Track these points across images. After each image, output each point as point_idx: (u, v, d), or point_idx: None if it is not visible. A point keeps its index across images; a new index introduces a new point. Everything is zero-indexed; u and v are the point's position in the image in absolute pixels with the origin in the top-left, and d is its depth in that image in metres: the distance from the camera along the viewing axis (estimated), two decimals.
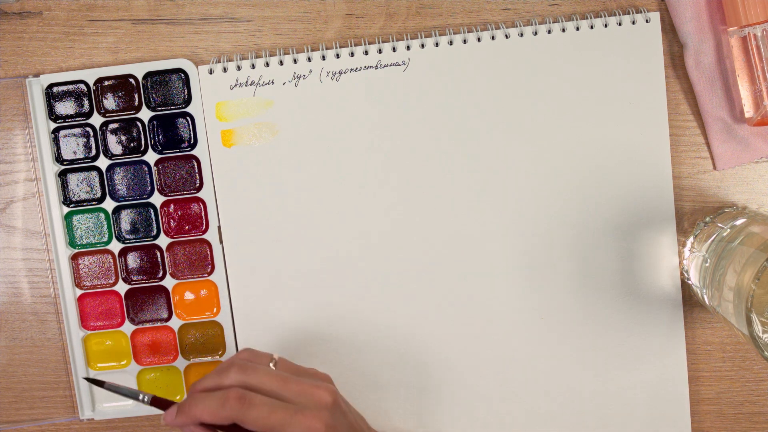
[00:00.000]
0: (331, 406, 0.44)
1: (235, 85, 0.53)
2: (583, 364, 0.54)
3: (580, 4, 0.53)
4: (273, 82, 0.53)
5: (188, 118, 0.54)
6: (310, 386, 0.44)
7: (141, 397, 0.47)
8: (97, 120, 0.54)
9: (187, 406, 0.44)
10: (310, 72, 0.53)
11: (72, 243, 0.55)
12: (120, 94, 0.54)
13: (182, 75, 0.54)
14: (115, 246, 0.55)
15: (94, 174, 0.55)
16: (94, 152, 0.54)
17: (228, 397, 0.43)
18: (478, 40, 0.52)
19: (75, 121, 0.54)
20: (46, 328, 0.56)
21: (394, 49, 0.53)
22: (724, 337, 0.54)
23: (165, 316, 0.55)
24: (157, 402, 0.47)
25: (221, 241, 0.54)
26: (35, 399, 0.56)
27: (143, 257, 0.55)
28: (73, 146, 0.54)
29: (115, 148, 0.54)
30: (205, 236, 0.54)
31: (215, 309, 0.55)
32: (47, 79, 0.54)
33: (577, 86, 0.52)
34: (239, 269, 0.54)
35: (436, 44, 0.53)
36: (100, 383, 0.48)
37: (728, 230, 0.49)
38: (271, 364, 0.46)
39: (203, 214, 0.54)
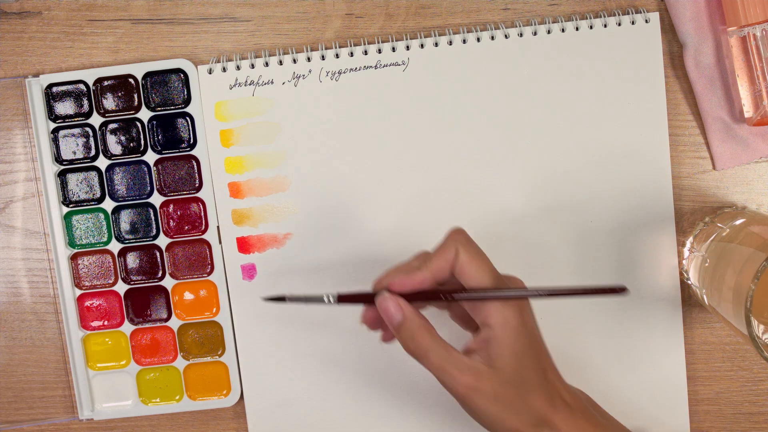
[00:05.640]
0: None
1: (235, 85, 0.53)
2: (582, 364, 0.54)
3: (579, 4, 0.53)
4: (272, 82, 0.53)
5: (188, 118, 0.54)
6: (515, 279, 0.46)
7: (326, 299, 0.45)
8: (96, 120, 0.54)
9: (419, 263, 0.44)
10: (310, 72, 0.53)
11: (71, 243, 0.55)
12: (119, 94, 0.54)
13: (182, 75, 0.54)
14: (115, 246, 0.55)
15: (93, 174, 0.55)
16: (93, 152, 0.54)
17: (453, 233, 0.44)
18: (478, 40, 0.52)
19: (74, 121, 0.54)
20: (46, 328, 0.56)
21: (393, 49, 0.53)
22: (723, 337, 0.54)
23: (164, 316, 0.55)
24: (344, 299, 0.45)
25: (220, 242, 0.54)
26: (35, 399, 0.56)
27: (143, 257, 0.55)
28: (72, 146, 0.54)
29: (115, 148, 0.54)
30: (204, 236, 0.54)
31: (214, 309, 0.55)
32: (47, 79, 0.54)
33: (576, 86, 0.52)
34: (238, 269, 0.54)
35: (436, 44, 0.53)
36: (280, 299, 0.47)
37: (727, 230, 0.49)
38: None
39: (203, 214, 0.54)
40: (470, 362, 0.42)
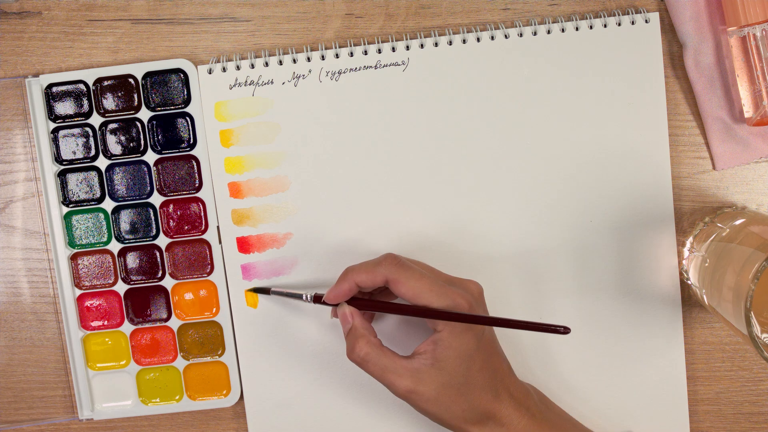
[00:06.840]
0: (477, 295, 0.47)
1: (235, 85, 0.53)
2: (582, 364, 0.54)
3: (579, 4, 0.53)
4: (272, 82, 0.53)
5: (187, 118, 0.54)
6: (460, 278, 0.48)
7: (304, 296, 0.50)
8: (96, 120, 0.54)
9: (344, 274, 0.47)
10: (310, 72, 0.53)
11: (71, 243, 0.55)
12: (119, 94, 0.54)
13: (181, 75, 0.54)
14: (115, 246, 0.55)
15: (93, 174, 0.55)
16: (93, 152, 0.54)
17: (384, 258, 0.46)
18: (478, 40, 0.52)
19: (74, 121, 0.54)
20: (46, 328, 0.56)
21: (393, 49, 0.53)
22: (723, 337, 0.54)
23: (164, 316, 0.55)
24: (319, 299, 0.49)
25: (220, 242, 0.54)
26: (34, 399, 0.56)
27: (142, 257, 0.55)
28: (72, 146, 0.54)
29: (115, 148, 0.54)
30: (204, 236, 0.54)
31: (214, 309, 0.55)
32: (47, 79, 0.54)
33: (576, 86, 0.52)
34: (238, 269, 0.54)
35: (436, 44, 0.53)
36: (265, 291, 0.53)
37: (727, 230, 0.49)
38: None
39: (202, 214, 0.54)
40: (410, 366, 0.45)
